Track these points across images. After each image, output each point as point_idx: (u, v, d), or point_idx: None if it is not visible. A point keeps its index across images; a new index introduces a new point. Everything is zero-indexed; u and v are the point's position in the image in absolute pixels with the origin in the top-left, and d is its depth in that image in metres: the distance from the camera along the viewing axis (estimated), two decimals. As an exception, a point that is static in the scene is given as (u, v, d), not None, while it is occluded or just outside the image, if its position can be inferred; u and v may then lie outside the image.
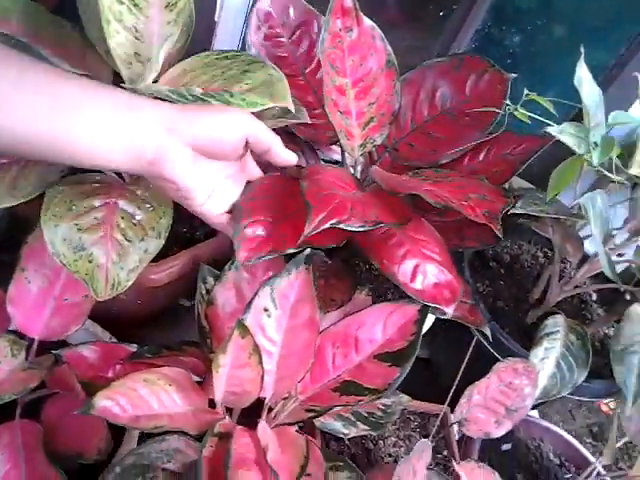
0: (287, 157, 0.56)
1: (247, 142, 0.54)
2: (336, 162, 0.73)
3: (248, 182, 0.60)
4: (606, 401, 1.77)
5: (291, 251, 0.55)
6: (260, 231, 0.56)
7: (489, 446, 0.83)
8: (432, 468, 0.66)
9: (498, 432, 0.65)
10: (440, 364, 0.96)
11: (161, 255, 0.64)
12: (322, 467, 0.52)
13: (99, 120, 0.46)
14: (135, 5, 0.56)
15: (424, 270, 0.56)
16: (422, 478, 0.58)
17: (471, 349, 0.67)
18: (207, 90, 0.56)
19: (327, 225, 0.48)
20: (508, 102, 0.55)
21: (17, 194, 0.56)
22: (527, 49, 0.91)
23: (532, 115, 0.56)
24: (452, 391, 0.67)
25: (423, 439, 0.59)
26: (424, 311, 0.59)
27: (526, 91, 0.55)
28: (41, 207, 0.58)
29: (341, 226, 0.48)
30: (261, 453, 0.52)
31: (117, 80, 0.61)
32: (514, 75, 0.63)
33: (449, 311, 0.56)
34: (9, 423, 0.54)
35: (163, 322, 0.85)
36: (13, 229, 0.80)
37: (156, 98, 0.53)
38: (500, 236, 0.52)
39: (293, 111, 0.57)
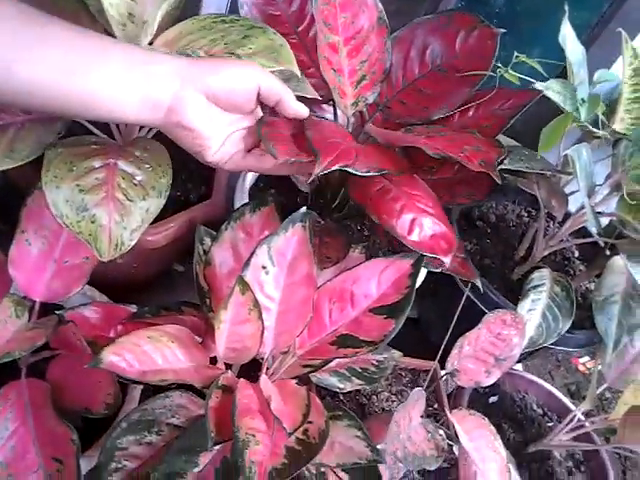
0: (298, 109, 0.57)
1: (259, 94, 0.55)
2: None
3: None
4: (582, 361, 1.84)
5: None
6: None
7: (477, 399, 0.87)
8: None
9: (488, 381, 0.68)
10: (429, 323, 0.99)
11: (156, 218, 0.65)
12: (323, 415, 0.54)
13: (116, 73, 0.47)
14: (128, -36, 0.55)
15: (420, 223, 0.58)
16: (417, 424, 0.61)
17: (461, 305, 0.70)
18: (209, 52, 0.56)
19: (335, 167, 0.50)
20: (499, 64, 0.57)
21: (15, 156, 0.56)
22: (512, 9, 0.92)
23: (521, 76, 0.57)
24: (442, 347, 0.69)
25: (417, 388, 0.62)
26: (417, 265, 0.61)
27: (516, 53, 0.57)
28: (35, 173, 0.59)
29: (348, 169, 0.50)
30: (264, 403, 0.54)
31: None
32: (503, 30, 0.64)
33: (447, 260, 0.58)
34: (15, 382, 0.56)
35: (158, 287, 0.87)
36: (6, 196, 0.79)
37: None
38: (498, 181, 0.53)
39: (299, 75, 0.58)
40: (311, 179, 0.52)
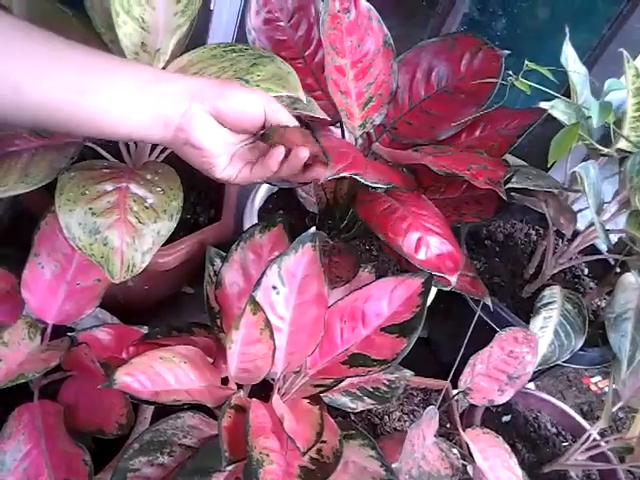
0: None
1: (265, 119, 0.56)
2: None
3: None
4: (594, 380, 1.82)
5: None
6: None
7: (489, 418, 0.86)
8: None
9: (501, 399, 0.67)
10: (439, 342, 0.99)
11: (167, 241, 0.66)
12: (337, 434, 0.54)
13: (127, 92, 0.49)
14: (142, -4, 0.57)
15: (427, 242, 0.59)
16: (431, 443, 0.60)
17: (472, 324, 0.69)
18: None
19: (346, 174, 0.50)
20: (510, 72, 0.58)
21: (29, 181, 0.57)
22: (513, 32, 0.94)
23: (533, 84, 0.58)
24: (455, 366, 0.69)
25: (430, 407, 0.62)
26: (428, 283, 0.61)
27: (526, 62, 0.58)
28: (47, 198, 0.60)
29: (358, 178, 0.51)
30: (277, 422, 0.54)
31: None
32: (507, 52, 0.65)
33: (453, 280, 0.58)
34: (28, 404, 0.56)
35: (168, 309, 0.87)
36: (18, 222, 0.81)
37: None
38: (504, 198, 0.54)
39: (304, 101, 0.59)
40: (323, 179, 0.52)
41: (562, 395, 1.40)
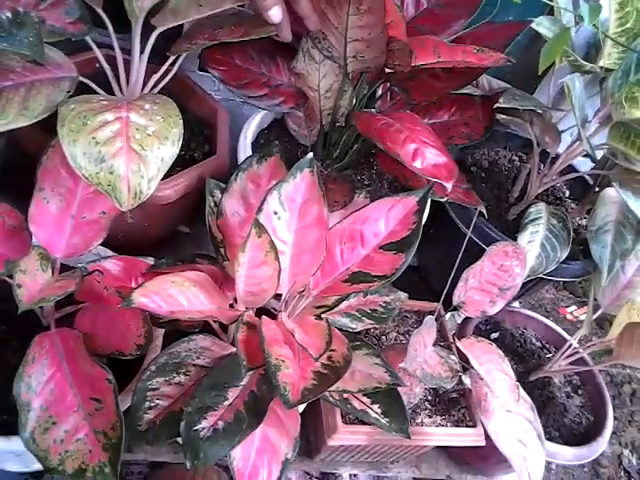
0: None
1: None
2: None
3: None
4: (570, 310, 1.91)
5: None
6: None
7: (478, 334, 0.91)
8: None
9: (493, 310, 0.71)
10: (429, 269, 1.03)
11: (165, 176, 0.67)
12: (345, 343, 0.58)
13: None
14: None
15: (423, 153, 0.61)
16: (431, 350, 0.64)
17: (465, 241, 0.73)
18: None
19: None
20: None
21: (29, 114, 0.57)
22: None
23: None
24: (447, 287, 0.72)
25: (428, 316, 0.65)
26: (424, 201, 0.64)
27: None
28: (45, 136, 0.60)
29: None
30: (288, 335, 0.57)
31: None
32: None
33: (449, 186, 0.61)
34: (47, 333, 0.58)
35: (165, 248, 0.88)
36: (10, 169, 0.80)
37: None
38: (512, 61, 0.56)
39: None
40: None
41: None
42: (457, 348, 0.70)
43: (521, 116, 0.75)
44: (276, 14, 0.60)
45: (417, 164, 0.61)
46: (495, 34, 0.69)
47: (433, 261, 1.01)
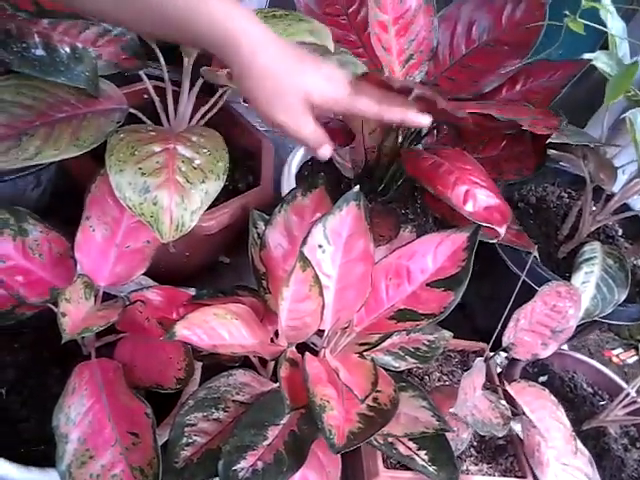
0: None
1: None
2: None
3: None
4: (616, 353, 1.82)
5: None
6: None
7: (527, 379, 0.86)
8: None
9: (545, 353, 0.68)
10: (474, 306, 0.99)
11: (209, 206, 0.67)
12: (391, 384, 0.55)
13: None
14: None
15: (474, 195, 0.59)
16: (480, 394, 0.61)
17: (520, 282, 0.70)
18: None
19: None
20: (566, 12, 0.57)
21: (80, 144, 0.58)
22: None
23: (587, 23, 0.58)
24: (499, 325, 0.69)
25: (478, 358, 0.62)
26: (474, 237, 0.62)
27: (584, 1, 0.57)
28: (94, 165, 0.61)
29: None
30: (332, 373, 0.55)
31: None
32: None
33: (501, 231, 0.58)
34: (87, 362, 0.57)
35: (206, 278, 0.88)
36: (58, 196, 0.82)
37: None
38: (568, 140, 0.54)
39: (332, 50, 0.59)
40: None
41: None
42: (505, 392, 0.66)
43: (573, 152, 0.73)
44: (325, 153, 0.57)
45: (468, 207, 0.59)
46: (551, 73, 0.67)
47: (478, 298, 0.97)
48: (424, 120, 0.53)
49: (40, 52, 0.56)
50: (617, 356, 1.83)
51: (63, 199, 0.75)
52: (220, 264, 0.92)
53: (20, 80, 0.59)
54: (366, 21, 0.62)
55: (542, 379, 0.89)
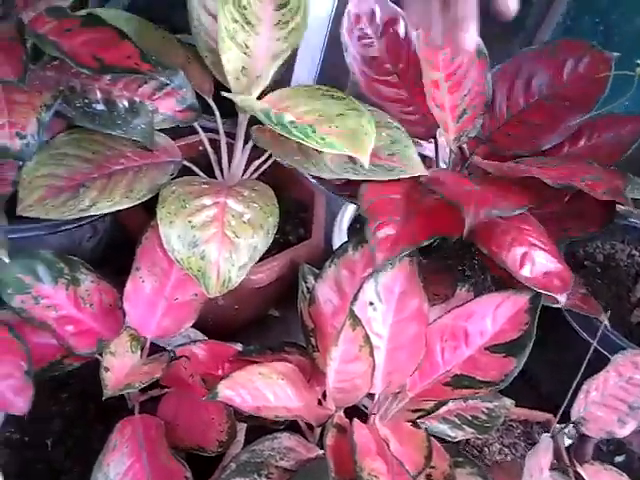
0: None
1: None
2: (424, 157, 0.73)
3: None
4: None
5: (425, 244, 0.58)
6: (389, 230, 0.58)
7: (600, 457, 0.78)
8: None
9: (623, 432, 0.61)
10: (537, 372, 0.92)
11: (259, 259, 0.66)
12: (446, 459, 0.51)
13: None
14: (247, 23, 0.59)
15: (532, 258, 0.56)
16: (547, 476, 0.55)
17: (591, 350, 0.64)
18: (299, 118, 0.57)
19: (482, 215, 0.49)
20: (639, 62, 0.54)
21: (133, 196, 0.59)
22: (610, 41, 0.89)
23: None
24: (567, 395, 0.63)
25: (545, 434, 0.57)
26: (536, 300, 0.57)
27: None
28: (145, 215, 0.62)
29: (494, 213, 0.49)
30: (382, 444, 0.51)
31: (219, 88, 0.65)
32: (617, 54, 0.62)
33: (562, 299, 0.54)
34: (130, 418, 0.56)
35: (255, 332, 0.86)
36: (112, 246, 0.83)
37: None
38: (631, 209, 0.50)
39: (366, 167, 0.57)
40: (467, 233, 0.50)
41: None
42: (577, 474, 0.60)
43: (645, 209, 0.68)
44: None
45: (525, 272, 0.55)
46: (618, 128, 0.63)
47: (542, 364, 0.90)
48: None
49: (101, 107, 0.57)
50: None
51: (117, 249, 0.76)
52: (270, 317, 0.90)
53: (81, 134, 0.61)
54: (415, 77, 0.61)
55: (618, 459, 0.80)
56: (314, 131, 0.56)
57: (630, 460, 0.78)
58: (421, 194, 0.60)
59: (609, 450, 0.78)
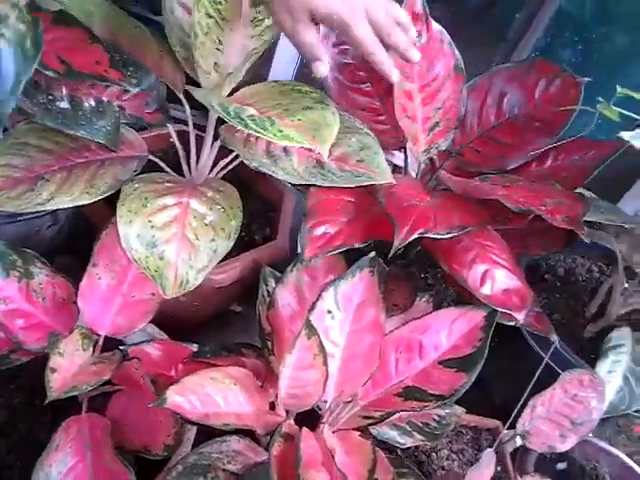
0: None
1: None
2: (395, 166, 0.73)
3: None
4: (644, 426, 1.71)
5: (358, 246, 0.57)
6: (328, 229, 0.57)
7: (543, 465, 0.80)
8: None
9: (563, 446, 0.63)
10: (490, 379, 0.94)
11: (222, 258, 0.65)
12: (390, 472, 0.51)
13: None
14: (222, 19, 0.57)
15: (493, 276, 0.56)
16: (488, 489, 0.56)
17: (542, 366, 0.66)
18: (262, 112, 0.56)
19: (415, 236, 0.48)
20: (600, 99, 0.55)
21: (93, 192, 0.57)
22: (589, 59, 0.90)
23: (623, 111, 0.55)
24: (517, 407, 0.65)
25: (488, 449, 0.58)
26: (491, 317, 0.58)
27: (618, 88, 0.55)
28: (109, 209, 0.60)
29: (429, 235, 0.49)
30: (328, 455, 0.51)
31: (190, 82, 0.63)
32: (587, 79, 0.62)
33: (520, 317, 0.55)
34: (77, 417, 0.55)
35: (214, 326, 0.86)
36: (76, 231, 0.81)
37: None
38: (585, 240, 0.51)
39: (325, 159, 0.57)
40: (392, 254, 0.51)
41: (610, 443, 1.31)
42: (518, 486, 0.61)
43: (606, 229, 0.69)
44: (320, 69, 0.56)
45: (485, 290, 0.56)
46: (584, 151, 0.64)
47: (495, 371, 0.92)
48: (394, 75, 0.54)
49: (65, 105, 0.55)
50: (645, 430, 1.72)
51: (80, 238, 0.74)
52: (231, 312, 0.90)
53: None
54: (389, 86, 0.61)
55: (560, 466, 0.83)
56: (272, 124, 0.54)
57: (571, 467, 0.81)
58: (374, 199, 0.59)
59: (551, 458, 0.80)
